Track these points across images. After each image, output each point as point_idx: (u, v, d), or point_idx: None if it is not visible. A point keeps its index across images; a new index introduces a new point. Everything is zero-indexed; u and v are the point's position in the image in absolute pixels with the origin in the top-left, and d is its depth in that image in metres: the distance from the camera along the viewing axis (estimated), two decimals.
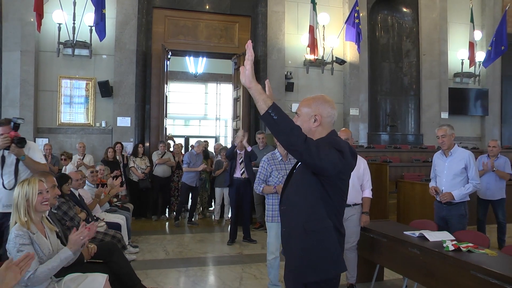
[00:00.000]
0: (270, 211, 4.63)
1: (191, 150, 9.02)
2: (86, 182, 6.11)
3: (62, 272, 3.10)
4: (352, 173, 4.03)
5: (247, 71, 2.04)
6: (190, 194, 8.69)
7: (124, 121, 9.43)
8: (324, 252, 2.19)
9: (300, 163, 2.29)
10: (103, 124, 9.42)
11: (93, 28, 8.75)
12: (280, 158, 4.67)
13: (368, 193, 4.68)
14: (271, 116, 1.99)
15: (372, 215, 5.11)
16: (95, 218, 5.43)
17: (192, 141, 15.30)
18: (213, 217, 9.23)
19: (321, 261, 2.20)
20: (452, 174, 4.77)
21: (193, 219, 8.79)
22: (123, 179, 8.77)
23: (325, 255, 2.19)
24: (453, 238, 4.01)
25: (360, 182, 4.68)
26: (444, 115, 11.90)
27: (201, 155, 8.80)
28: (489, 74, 12.74)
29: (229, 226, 7.39)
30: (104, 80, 9.20)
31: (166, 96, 10.18)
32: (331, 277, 2.23)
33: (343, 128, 5.17)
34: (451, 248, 3.65)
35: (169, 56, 10.16)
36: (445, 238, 3.96)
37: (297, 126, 2.05)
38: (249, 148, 7.16)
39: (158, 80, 9.78)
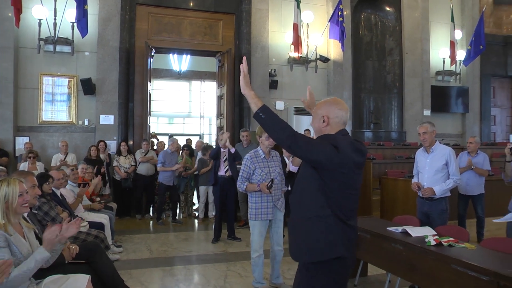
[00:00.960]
0: (254, 209, 4.60)
1: (165, 148, 8.93)
2: (68, 181, 6.02)
3: (42, 274, 3.01)
4: None
5: (240, 82, 2.40)
6: (169, 193, 8.65)
7: (107, 119, 9.30)
8: (320, 236, 2.36)
9: None
10: (86, 122, 9.27)
11: (75, 24, 8.60)
12: (263, 156, 4.65)
13: None
14: (259, 116, 2.30)
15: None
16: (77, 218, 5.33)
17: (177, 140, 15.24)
18: (197, 215, 9.16)
19: (316, 244, 2.37)
20: (434, 170, 4.82)
21: (177, 218, 8.74)
22: (107, 178, 8.70)
23: (320, 239, 2.36)
24: (435, 233, 4.05)
25: None
26: (427, 112, 12.02)
27: (176, 153, 8.75)
28: (469, 72, 12.91)
29: (214, 224, 7.36)
30: (87, 78, 9.03)
31: (150, 94, 10.08)
32: (326, 259, 2.36)
33: None
34: (433, 243, 3.69)
35: (152, 54, 10.04)
36: (427, 233, 3.99)
37: (285, 124, 2.30)
38: (232, 150, 7.11)
39: (142, 77, 9.68)
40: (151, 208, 9.24)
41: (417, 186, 4.91)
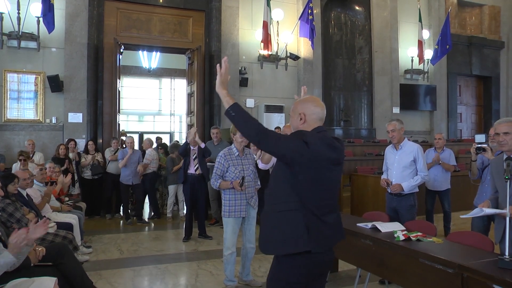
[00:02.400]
0: (227, 206, 4.61)
1: (124, 147, 8.73)
2: (35, 181, 5.86)
3: (5, 278, 2.92)
4: None
5: (217, 81, 2.46)
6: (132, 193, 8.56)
7: (76, 117, 9.09)
8: (287, 229, 2.37)
9: None
10: (54, 120, 9.04)
11: (41, 19, 8.37)
12: (237, 153, 4.67)
13: None
14: (230, 113, 2.33)
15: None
16: (44, 218, 5.18)
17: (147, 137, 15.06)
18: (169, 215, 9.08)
19: (282, 236, 2.38)
20: (402, 166, 4.92)
21: (143, 217, 8.64)
22: (76, 178, 8.51)
23: (287, 231, 2.37)
24: (404, 228, 4.14)
25: None
26: (396, 110, 12.24)
27: (138, 152, 8.67)
28: (436, 71, 13.21)
29: (184, 223, 7.31)
30: (54, 75, 8.80)
31: (119, 91, 9.91)
32: (291, 252, 2.37)
33: (288, 124, 5.25)
34: (402, 238, 3.76)
35: (121, 50, 9.89)
36: (396, 228, 4.07)
37: (255, 121, 2.33)
38: (202, 145, 7.06)
39: (111, 74, 9.49)
40: (121, 208, 9.10)
41: (386, 183, 5.00)
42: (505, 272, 2.82)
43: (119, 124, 9.84)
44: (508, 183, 3.12)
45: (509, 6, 14.83)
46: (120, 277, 5.16)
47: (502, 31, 14.73)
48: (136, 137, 13.81)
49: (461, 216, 3.43)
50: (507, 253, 2.93)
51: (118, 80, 9.63)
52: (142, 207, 8.83)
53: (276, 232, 2.41)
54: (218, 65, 2.47)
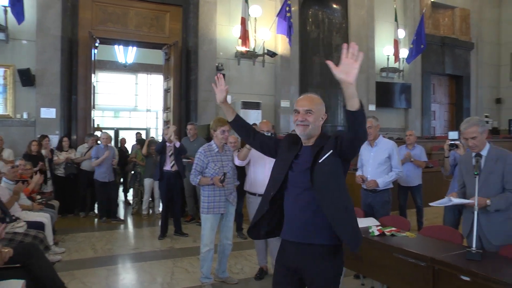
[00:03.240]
0: (206, 202, 4.57)
1: (99, 144, 8.48)
2: (3, 178, 5.72)
3: None
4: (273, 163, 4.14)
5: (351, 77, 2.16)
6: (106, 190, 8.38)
7: (49, 113, 8.87)
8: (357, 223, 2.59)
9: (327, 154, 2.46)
10: (25, 116, 8.79)
11: (9, 9, 8.10)
12: (217, 150, 4.64)
13: None
14: (363, 111, 2.23)
15: None
16: (13, 218, 4.98)
17: (123, 134, 14.91)
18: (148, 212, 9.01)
19: (358, 232, 2.56)
20: (377, 163, 4.98)
21: (117, 215, 8.53)
22: (49, 175, 8.31)
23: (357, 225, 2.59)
24: (378, 223, 4.21)
25: None
26: (372, 107, 12.39)
27: (113, 148, 8.54)
28: (411, 70, 13.45)
29: (160, 220, 7.25)
30: (25, 68, 8.56)
31: (94, 86, 9.75)
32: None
33: (264, 120, 5.26)
34: (376, 233, 3.83)
35: (96, 44, 9.71)
36: (371, 224, 4.13)
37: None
38: (177, 144, 7.02)
39: (85, 69, 9.32)
40: (95, 205, 8.94)
41: (361, 179, 5.05)
42: (472, 263, 2.97)
43: (93, 120, 9.69)
44: (477, 178, 3.23)
45: (477, 9, 15.32)
46: (93, 276, 5.07)
47: (471, 33, 15.18)
48: (111, 133, 13.65)
49: (430, 204, 3.54)
50: (474, 246, 3.11)
51: (93, 75, 9.47)
52: (117, 205, 8.72)
53: (357, 227, 2.52)
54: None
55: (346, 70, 2.14)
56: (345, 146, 2.39)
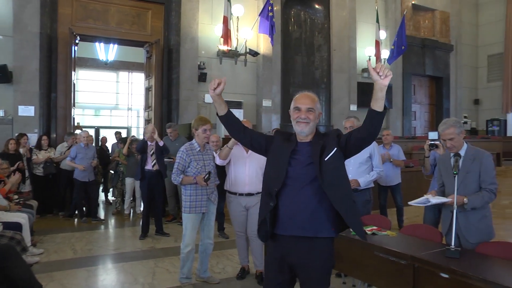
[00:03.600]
0: (188, 202, 4.52)
1: (79, 142, 8.26)
2: None
3: None
4: (255, 162, 4.68)
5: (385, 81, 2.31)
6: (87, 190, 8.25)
7: (27, 110, 8.70)
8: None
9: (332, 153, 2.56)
10: (2, 114, 8.61)
11: None
12: (198, 149, 4.59)
13: None
14: (384, 112, 2.41)
15: None
16: None
17: (103, 132, 14.75)
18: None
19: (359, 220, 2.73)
20: (358, 162, 5.00)
21: (98, 215, 8.41)
22: (27, 174, 8.14)
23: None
24: None
25: (262, 171, 4.73)
26: (353, 107, 12.49)
27: (93, 147, 8.37)
28: (392, 70, 13.45)
29: (141, 220, 7.17)
30: (2, 64, 8.37)
31: (74, 84, 9.58)
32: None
33: (244, 120, 5.24)
34: None
35: (77, 41, 9.52)
36: None
37: None
38: (161, 143, 6.96)
39: (65, 66, 9.15)
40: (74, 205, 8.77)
41: None
42: (451, 261, 3.03)
43: (74, 118, 9.53)
44: (456, 177, 3.29)
45: (456, 12, 15.62)
46: (73, 278, 4.98)
47: (451, 35, 15.47)
48: (92, 132, 13.49)
49: (409, 203, 3.59)
50: (453, 244, 3.20)
51: (73, 72, 9.29)
52: (97, 204, 8.60)
53: (359, 217, 2.69)
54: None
55: (383, 73, 2.27)
56: (353, 144, 2.53)
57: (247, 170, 4.70)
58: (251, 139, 2.81)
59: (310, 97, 2.67)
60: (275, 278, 2.64)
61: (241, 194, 4.72)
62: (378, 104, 2.32)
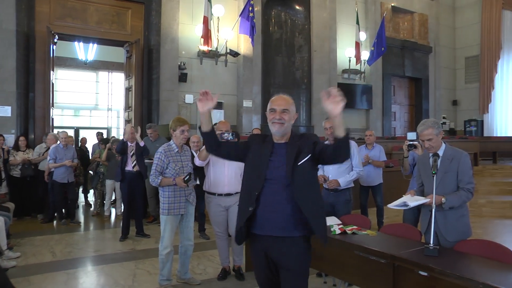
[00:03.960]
0: (167, 203, 4.48)
1: (58, 143, 8.11)
2: None
3: None
4: (234, 164, 4.65)
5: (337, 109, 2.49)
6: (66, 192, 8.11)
7: (3, 111, 8.52)
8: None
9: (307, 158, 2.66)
10: None
11: None
12: (176, 149, 4.56)
13: None
14: (348, 137, 2.54)
15: None
16: None
17: (83, 133, 14.57)
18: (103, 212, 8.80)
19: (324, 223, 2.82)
20: None
21: (76, 217, 8.28)
22: (3, 176, 7.96)
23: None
24: (340, 222, 4.26)
25: (240, 172, 4.79)
26: None
27: (72, 148, 8.23)
28: (373, 71, 13.73)
29: (121, 221, 7.10)
30: None
31: (53, 84, 9.44)
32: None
33: (223, 120, 5.26)
34: (338, 232, 3.88)
35: (55, 40, 9.39)
36: (332, 223, 4.17)
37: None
38: (141, 143, 6.90)
39: (44, 65, 9.01)
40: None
41: (323, 179, 5.10)
42: (430, 259, 3.07)
43: (52, 119, 9.39)
44: (434, 177, 3.34)
45: (434, 15, 15.85)
46: (52, 281, 4.89)
47: (429, 37, 15.68)
48: (71, 133, 13.31)
49: (388, 206, 3.63)
50: (431, 242, 3.23)
51: (51, 72, 9.16)
52: (76, 206, 8.46)
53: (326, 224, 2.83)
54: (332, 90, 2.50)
55: (333, 104, 2.43)
56: (327, 158, 2.66)
57: (226, 170, 4.74)
58: (228, 152, 2.90)
59: (285, 99, 2.76)
60: (263, 273, 2.75)
61: (220, 195, 4.75)
62: (337, 130, 2.47)
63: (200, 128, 2.74)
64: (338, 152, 2.55)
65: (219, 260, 5.12)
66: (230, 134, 4.56)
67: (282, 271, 2.67)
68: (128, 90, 10.40)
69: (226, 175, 4.73)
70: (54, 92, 9.67)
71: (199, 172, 6.70)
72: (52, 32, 9.10)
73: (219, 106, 10.47)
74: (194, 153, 6.69)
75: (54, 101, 9.66)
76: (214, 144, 2.82)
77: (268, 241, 2.65)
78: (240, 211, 2.74)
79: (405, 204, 3.46)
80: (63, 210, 8.13)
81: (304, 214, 2.58)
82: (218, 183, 4.75)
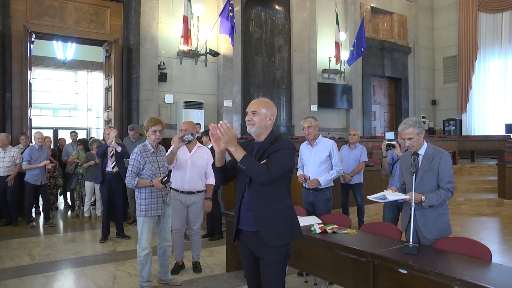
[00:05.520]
0: (144, 205, 4.42)
1: (33, 144, 7.98)
2: None
3: None
4: (197, 163, 5.02)
5: (222, 140, 2.68)
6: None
7: None
8: (292, 223, 2.90)
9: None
10: None
11: None
12: (152, 150, 4.50)
13: (211, 181, 5.02)
14: (241, 167, 2.69)
15: None
16: None
17: (62, 133, 14.34)
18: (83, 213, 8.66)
19: (289, 229, 2.87)
20: (318, 162, 5.06)
21: (50, 220, 8.09)
22: None
23: (292, 225, 2.90)
24: (320, 221, 4.26)
25: (204, 171, 5.02)
26: (314, 107, 12.60)
27: (46, 149, 8.07)
28: (352, 71, 13.82)
29: (101, 223, 7.00)
30: None
31: (31, 84, 9.26)
32: (296, 239, 2.95)
33: (188, 121, 5.23)
34: (318, 231, 3.88)
35: (32, 39, 9.20)
36: (313, 222, 4.18)
37: (262, 167, 2.69)
38: (118, 149, 6.82)
39: (21, 65, 8.82)
40: (33, 210, 8.37)
41: (303, 178, 5.11)
42: (409, 257, 3.11)
43: (30, 119, 9.22)
44: (413, 176, 3.36)
45: (413, 16, 16.04)
46: (30, 285, 4.79)
47: (408, 37, 15.86)
48: (50, 133, 13.10)
49: (368, 197, 3.65)
50: (411, 240, 3.27)
51: (29, 72, 8.99)
52: (50, 208, 8.30)
53: (284, 226, 2.83)
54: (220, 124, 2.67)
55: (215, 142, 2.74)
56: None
57: (189, 169, 4.91)
58: (233, 174, 3.02)
59: (256, 102, 2.97)
60: (250, 267, 2.96)
61: (182, 192, 4.93)
62: (235, 156, 2.70)
63: (213, 164, 2.94)
64: (250, 175, 2.75)
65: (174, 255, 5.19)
66: (190, 135, 4.63)
67: (260, 267, 2.87)
68: (107, 90, 10.28)
69: (187, 174, 4.91)
70: (32, 92, 9.49)
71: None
72: (29, 31, 8.93)
73: (199, 106, 10.41)
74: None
75: (32, 101, 9.49)
76: (222, 178, 3.00)
77: (247, 236, 2.90)
78: (234, 215, 2.97)
79: (384, 197, 3.48)
80: (33, 212, 7.93)
81: (253, 210, 2.80)
82: (180, 180, 4.93)
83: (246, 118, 2.90)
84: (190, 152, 4.95)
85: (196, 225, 5.07)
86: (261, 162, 2.76)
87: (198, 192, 4.98)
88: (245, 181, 2.86)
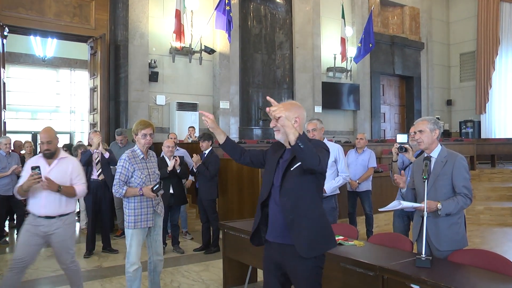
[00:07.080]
0: (132, 216, 4.35)
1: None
2: None
3: None
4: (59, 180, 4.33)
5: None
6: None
7: None
8: (327, 231, 2.94)
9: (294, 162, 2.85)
10: None
11: None
12: (142, 156, 4.45)
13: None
14: (298, 145, 2.61)
15: (246, 213, 5.30)
16: None
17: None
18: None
19: (325, 238, 2.92)
20: None
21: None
22: None
23: (328, 233, 2.94)
24: None
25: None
26: (318, 109, 12.64)
27: (16, 155, 7.96)
28: (360, 69, 13.86)
29: (86, 236, 6.96)
30: None
31: (5, 83, 9.26)
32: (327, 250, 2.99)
33: (46, 127, 4.80)
34: None
35: (5, 33, 9.15)
36: None
37: (314, 150, 2.67)
38: (106, 155, 6.84)
39: None
40: (6, 223, 8.34)
41: None
42: (422, 271, 3.08)
43: (5, 123, 9.20)
44: (425, 182, 3.36)
45: (426, 8, 16.08)
46: None
47: (421, 32, 15.91)
48: (29, 138, 13.10)
49: (380, 209, 3.65)
50: (423, 252, 3.24)
51: (2, 70, 9.00)
52: (23, 220, 8.27)
53: (318, 235, 2.86)
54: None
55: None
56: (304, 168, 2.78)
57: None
58: (250, 158, 3.21)
59: (284, 104, 2.95)
60: (272, 282, 2.98)
61: (40, 216, 4.25)
62: (289, 138, 2.64)
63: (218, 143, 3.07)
64: (302, 162, 2.71)
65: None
66: (37, 169, 4.01)
67: (292, 282, 2.93)
68: (93, 90, 10.29)
69: (43, 195, 4.23)
70: (6, 92, 9.47)
71: (172, 180, 6.71)
72: (1, 24, 8.92)
73: (193, 107, 10.45)
74: (168, 160, 6.68)
75: (6, 103, 9.47)
76: (237, 151, 3.17)
77: (275, 248, 2.92)
78: (255, 216, 3.05)
79: (398, 203, 3.48)
80: (6, 227, 7.82)
81: (285, 219, 2.81)
82: (35, 202, 4.30)
83: (271, 125, 2.93)
84: (49, 166, 4.31)
85: (68, 258, 4.45)
86: (295, 166, 2.81)
87: (60, 216, 4.29)
88: (270, 184, 2.92)
